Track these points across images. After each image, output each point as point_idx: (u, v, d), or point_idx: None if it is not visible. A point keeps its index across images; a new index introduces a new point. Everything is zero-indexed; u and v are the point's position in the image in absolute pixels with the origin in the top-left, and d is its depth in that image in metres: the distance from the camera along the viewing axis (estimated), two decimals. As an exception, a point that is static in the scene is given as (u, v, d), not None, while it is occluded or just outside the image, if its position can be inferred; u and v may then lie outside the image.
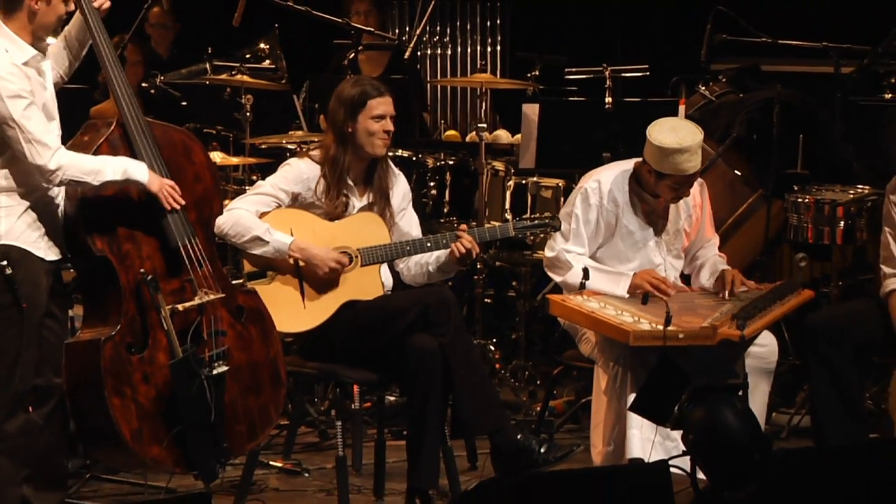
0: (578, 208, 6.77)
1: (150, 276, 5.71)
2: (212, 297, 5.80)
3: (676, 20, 10.12)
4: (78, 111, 6.10)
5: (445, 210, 8.40)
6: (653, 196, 6.75)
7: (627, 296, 6.66)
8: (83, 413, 5.74)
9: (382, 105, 6.46)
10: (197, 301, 5.77)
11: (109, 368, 5.65)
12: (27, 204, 5.67)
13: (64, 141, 5.77)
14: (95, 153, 5.73)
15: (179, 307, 5.73)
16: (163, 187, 5.75)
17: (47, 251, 5.72)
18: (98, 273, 5.78)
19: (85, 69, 6.04)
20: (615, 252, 6.81)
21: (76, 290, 6.35)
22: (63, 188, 5.72)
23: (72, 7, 5.72)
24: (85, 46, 5.88)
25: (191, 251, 5.81)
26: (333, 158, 6.46)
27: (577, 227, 6.76)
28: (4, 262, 5.62)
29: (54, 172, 5.58)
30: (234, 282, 6.23)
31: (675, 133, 6.59)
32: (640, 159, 6.73)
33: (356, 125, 6.45)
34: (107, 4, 5.84)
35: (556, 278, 6.81)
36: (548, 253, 6.83)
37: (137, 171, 5.71)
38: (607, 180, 6.79)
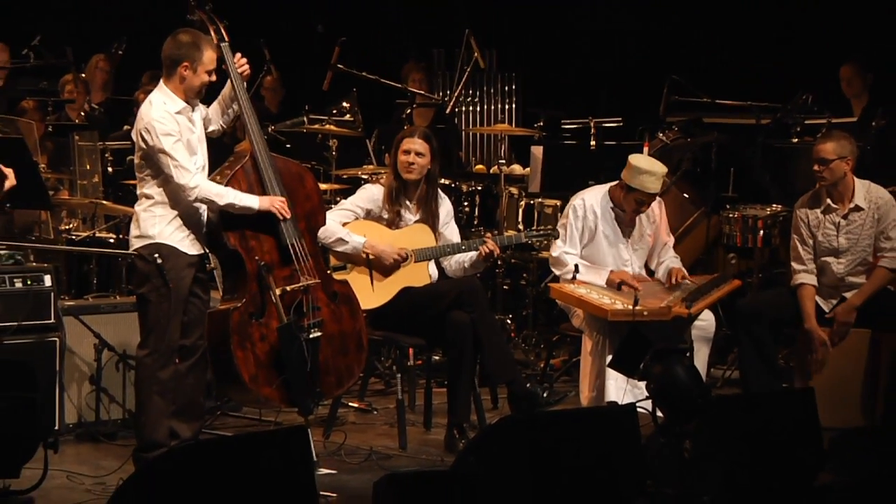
0: (570, 220, 6.80)
1: (264, 265, 5.71)
2: (311, 282, 5.79)
3: (642, 85, 10.09)
4: (215, 149, 6.10)
5: (475, 222, 8.40)
6: (622, 210, 6.78)
7: (605, 285, 6.69)
8: (218, 362, 5.74)
9: (408, 143, 6.47)
10: (300, 284, 5.76)
11: (236, 329, 5.65)
12: (176, 213, 5.67)
13: (212, 169, 5.80)
14: (235, 175, 5.73)
15: (287, 288, 5.72)
16: (273, 203, 5.71)
17: (190, 247, 5.71)
18: (231, 261, 5.80)
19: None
20: (595, 250, 6.82)
21: (213, 278, 6.35)
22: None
23: (214, 78, 5.73)
24: (235, 102, 5.86)
25: (297, 249, 5.79)
26: (395, 189, 6.50)
27: (570, 233, 6.78)
28: (156, 255, 5.65)
29: (193, 189, 5.59)
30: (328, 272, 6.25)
31: (650, 162, 6.70)
32: (614, 183, 6.77)
33: (396, 158, 6.49)
34: (248, 72, 5.86)
35: (557, 272, 6.83)
36: (553, 253, 6.85)
37: (250, 200, 5.69)
38: (589, 198, 6.84)
